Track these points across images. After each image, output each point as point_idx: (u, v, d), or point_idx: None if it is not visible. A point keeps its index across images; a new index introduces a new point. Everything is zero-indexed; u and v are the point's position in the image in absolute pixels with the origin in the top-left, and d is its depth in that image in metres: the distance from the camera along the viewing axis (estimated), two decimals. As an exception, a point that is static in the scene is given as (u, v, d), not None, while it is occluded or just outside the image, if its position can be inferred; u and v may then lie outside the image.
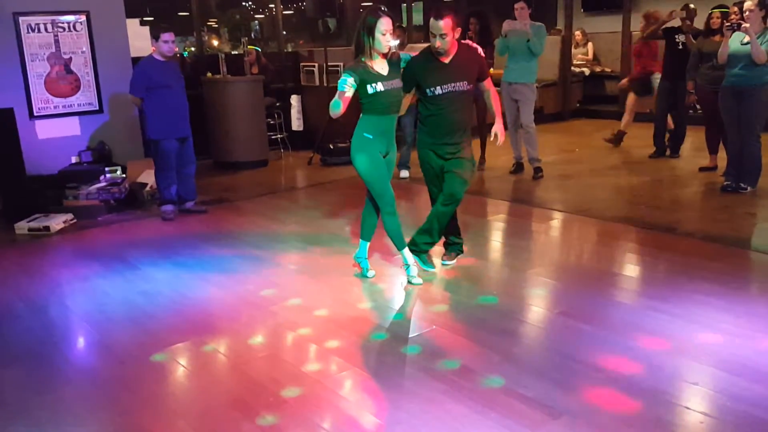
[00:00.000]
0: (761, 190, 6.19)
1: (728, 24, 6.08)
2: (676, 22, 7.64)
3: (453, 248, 4.73)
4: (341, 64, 8.73)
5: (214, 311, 4.10)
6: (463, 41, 4.35)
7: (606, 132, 8.93)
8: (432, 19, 4.12)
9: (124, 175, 6.78)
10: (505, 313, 3.90)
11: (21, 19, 6.60)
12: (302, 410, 2.96)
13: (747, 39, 5.84)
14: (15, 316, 4.17)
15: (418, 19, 11.90)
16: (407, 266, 4.36)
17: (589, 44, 11.98)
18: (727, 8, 6.80)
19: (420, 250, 4.51)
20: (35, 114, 6.80)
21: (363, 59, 4.03)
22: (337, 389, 3.14)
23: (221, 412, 2.99)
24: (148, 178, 6.82)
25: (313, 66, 9.52)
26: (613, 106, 10.97)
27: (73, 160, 6.91)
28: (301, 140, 9.24)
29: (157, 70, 5.96)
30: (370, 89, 4.00)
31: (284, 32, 11.30)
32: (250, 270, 4.78)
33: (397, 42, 4.10)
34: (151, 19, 9.97)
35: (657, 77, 8.21)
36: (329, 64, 8.83)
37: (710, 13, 6.99)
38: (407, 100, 4.35)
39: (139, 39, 7.46)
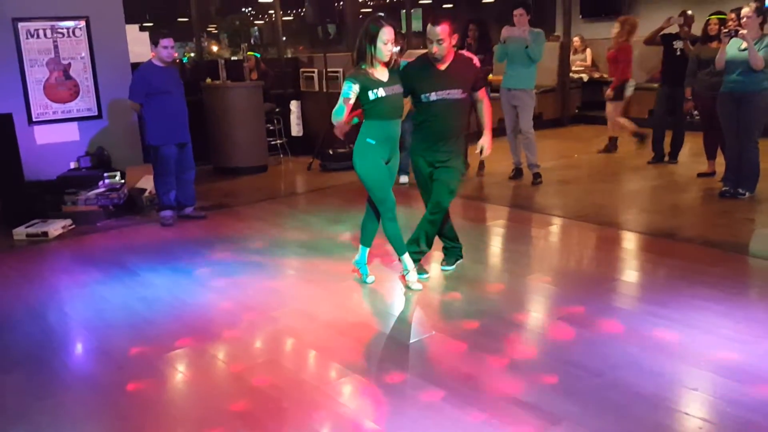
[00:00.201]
0: (759, 196, 6.20)
1: (726, 30, 6.10)
2: (674, 29, 7.67)
3: (451, 253, 4.73)
4: (341, 70, 8.75)
5: (213, 317, 4.09)
6: (459, 50, 4.37)
7: (604, 138, 8.93)
8: (429, 25, 4.15)
9: (123, 181, 6.77)
10: (505, 318, 3.90)
11: (20, 24, 6.60)
12: (302, 416, 2.95)
13: (744, 45, 5.86)
14: (14, 321, 4.16)
15: (417, 25, 11.94)
16: (407, 272, 4.36)
17: (588, 50, 12.00)
18: (725, 15, 6.83)
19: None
20: (34, 120, 6.80)
21: (363, 66, 4.04)
22: (336, 395, 3.13)
23: (220, 418, 2.99)
24: (147, 183, 6.82)
25: (313, 72, 9.53)
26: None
27: (72, 165, 6.91)
28: (300, 146, 9.25)
29: (157, 75, 5.97)
30: (371, 95, 4.01)
31: (284, 38, 11.34)
32: (249, 275, 4.77)
33: (397, 49, 4.12)
34: (151, 24, 10.00)
35: (631, 84, 8.37)
36: (329, 70, 8.84)
37: (708, 20, 7.02)
38: (407, 106, 4.37)
39: (138, 45, 7.46)
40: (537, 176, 7.19)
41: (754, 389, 3.00)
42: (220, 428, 2.90)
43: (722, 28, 6.43)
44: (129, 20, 7.38)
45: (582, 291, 4.28)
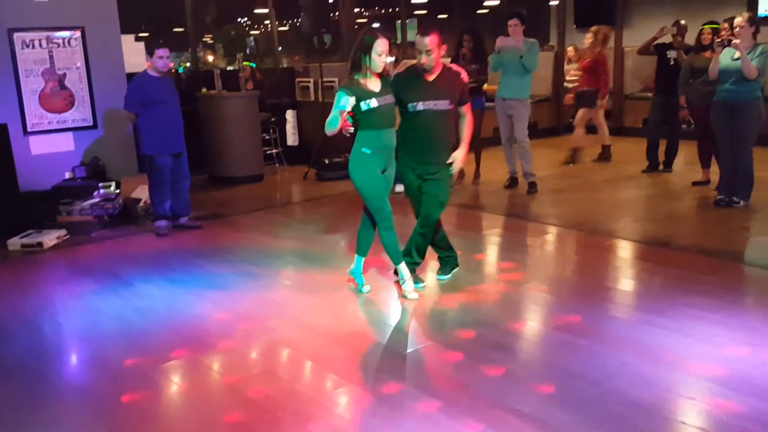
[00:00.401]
0: (754, 204, 6.22)
1: (719, 40, 6.14)
2: (667, 38, 7.72)
3: (446, 262, 4.73)
4: (336, 79, 8.78)
5: (208, 327, 4.08)
6: (448, 64, 4.38)
7: (598, 147, 8.95)
8: (418, 36, 4.19)
9: (118, 191, 6.76)
10: (501, 327, 3.90)
11: (16, 35, 6.60)
12: (297, 428, 2.94)
13: (737, 55, 5.90)
14: (8, 333, 4.14)
15: (412, 36, 11.98)
16: (403, 281, 4.36)
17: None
18: (718, 24, 6.88)
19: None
20: (29, 130, 6.78)
21: (357, 77, 4.08)
22: (332, 406, 3.12)
23: (215, 430, 2.97)
24: (142, 193, 6.81)
25: (309, 81, 9.56)
26: (606, 122, 10.99)
27: (67, 175, 6.89)
28: (296, 155, 9.26)
29: (152, 85, 5.97)
30: (363, 106, 4.04)
31: (280, 48, 11.36)
32: (244, 286, 4.76)
33: (392, 59, 4.15)
34: (147, 35, 10.00)
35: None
36: (324, 79, 8.87)
37: (701, 30, 7.07)
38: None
39: (134, 55, 7.47)
40: (532, 185, 7.21)
41: (751, 398, 3.00)
42: (215, 440, 2.89)
43: (715, 37, 6.46)
44: (124, 30, 7.39)
45: (578, 300, 4.28)
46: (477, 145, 7.60)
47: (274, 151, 9.16)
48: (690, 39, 7.52)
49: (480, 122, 7.53)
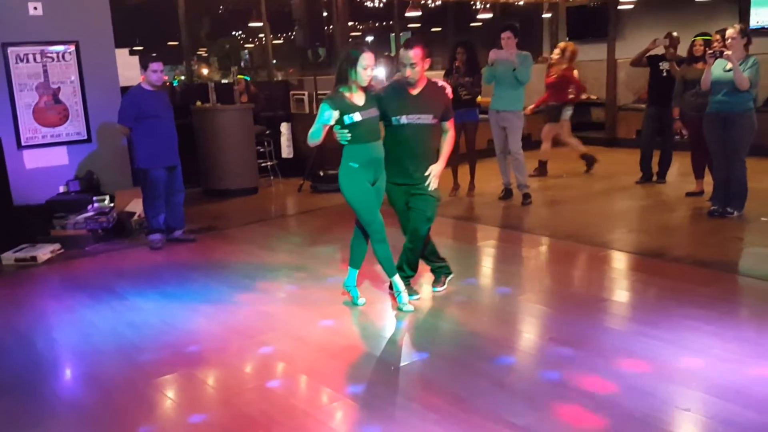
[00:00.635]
0: (748, 215, 6.24)
1: (711, 51, 6.18)
2: (660, 50, 7.77)
3: (439, 272, 4.72)
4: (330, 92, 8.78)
5: (202, 342, 4.06)
6: (432, 80, 4.39)
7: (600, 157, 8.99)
8: (402, 49, 4.21)
9: (112, 205, 6.75)
10: (496, 339, 3.89)
11: (10, 49, 6.60)
12: (292, 442, 2.92)
13: (729, 66, 5.93)
14: (2, 347, 4.11)
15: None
16: (398, 293, 4.35)
17: (575, 72, 12.11)
18: (710, 36, 6.93)
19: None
20: (23, 144, 6.77)
21: (342, 90, 4.09)
22: (327, 420, 3.10)
23: (210, 444, 2.95)
24: (136, 207, 6.79)
25: (303, 94, 9.58)
26: (600, 133, 11.09)
27: (61, 189, 6.88)
28: (291, 167, 9.25)
29: (146, 99, 5.98)
30: (347, 119, 4.06)
31: (274, 61, 11.39)
32: (239, 299, 4.75)
33: (381, 71, 4.16)
34: (141, 48, 10.01)
35: (569, 107, 8.61)
36: (319, 92, 8.88)
37: (693, 41, 7.13)
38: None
39: (128, 68, 7.47)
40: (527, 196, 7.22)
41: (747, 409, 2.99)
42: (209, 455, 2.87)
43: (707, 49, 6.51)
44: (119, 44, 7.40)
45: (573, 311, 4.28)
46: (472, 157, 7.63)
47: (268, 163, 9.16)
48: (682, 51, 7.57)
49: (474, 134, 7.57)
